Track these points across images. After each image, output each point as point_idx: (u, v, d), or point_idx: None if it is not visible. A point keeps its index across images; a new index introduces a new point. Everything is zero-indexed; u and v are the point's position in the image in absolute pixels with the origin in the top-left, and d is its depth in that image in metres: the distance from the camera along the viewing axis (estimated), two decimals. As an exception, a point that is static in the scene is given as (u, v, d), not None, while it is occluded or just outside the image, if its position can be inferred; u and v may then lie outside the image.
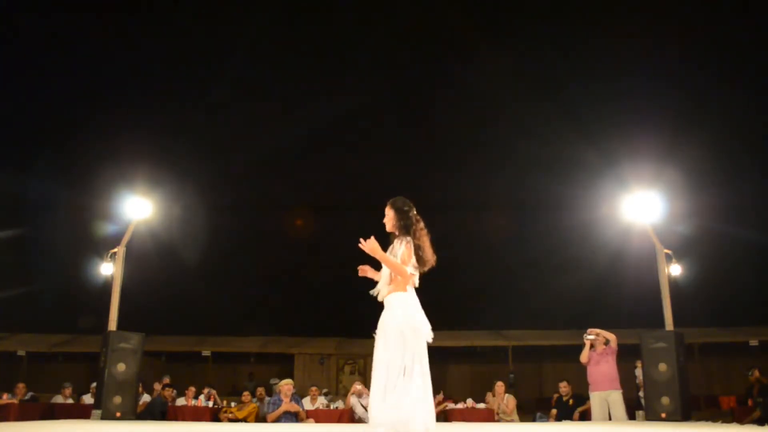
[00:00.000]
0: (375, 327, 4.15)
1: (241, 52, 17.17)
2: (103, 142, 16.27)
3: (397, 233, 4.25)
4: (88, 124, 17.47)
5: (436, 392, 11.49)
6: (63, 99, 17.64)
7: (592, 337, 8.89)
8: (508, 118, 18.06)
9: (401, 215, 4.23)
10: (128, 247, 9.86)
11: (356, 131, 19.39)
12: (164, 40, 17.26)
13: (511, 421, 10.25)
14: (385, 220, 4.31)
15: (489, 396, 11.07)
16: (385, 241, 4.26)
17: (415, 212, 4.28)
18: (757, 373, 10.24)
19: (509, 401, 10.44)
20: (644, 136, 14.67)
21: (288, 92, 18.29)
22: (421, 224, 4.27)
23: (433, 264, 4.26)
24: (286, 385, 9.52)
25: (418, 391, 3.87)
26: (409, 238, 4.16)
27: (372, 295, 4.24)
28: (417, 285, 4.24)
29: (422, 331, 4.05)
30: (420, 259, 4.17)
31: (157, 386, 11.19)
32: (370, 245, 4.04)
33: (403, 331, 3.98)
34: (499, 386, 10.68)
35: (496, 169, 18.41)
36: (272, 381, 15.19)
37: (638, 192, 9.68)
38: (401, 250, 4.13)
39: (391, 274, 4.15)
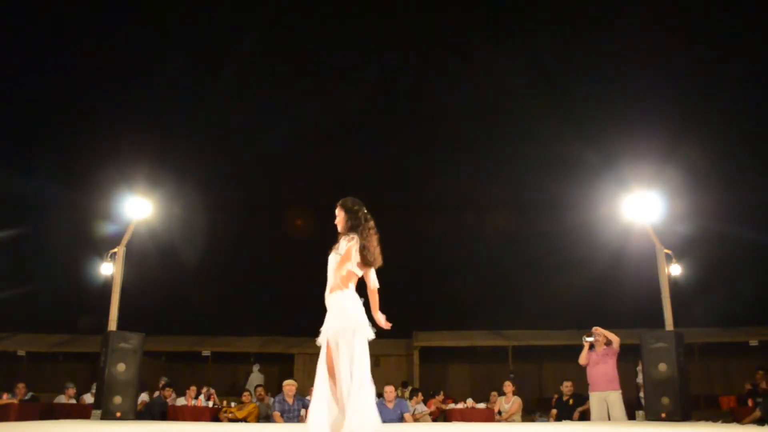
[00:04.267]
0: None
1: (240, 51, 17.17)
2: (103, 142, 16.29)
3: (345, 232, 4.23)
4: (88, 124, 17.48)
5: (436, 392, 11.54)
6: (63, 99, 17.65)
7: (590, 339, 8.90)
8: (509, 119, 18.07)
9: (350, 215, 4.24)
10: (128, 247, 9.87)
11: (356, 131, 19.40)
12: (164, 40, 17.28)
13: (513, 421, 10.25)
14: (336, 221, 4.31)
15: (494, 395, 11.06)
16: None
17: (365, 211, 4.27)
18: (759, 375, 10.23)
19: (515, 403, 10.43)
20: (644, 136, 14.68)
21: (288, 92, 18.31)
22: (371, 224, 4.24)
23: (380, 264, 4.21)
24: (287, 386, 9.53)
25: (367, 390, 3.87)
26: (354, 236, 4.14)
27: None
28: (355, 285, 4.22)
29: (361, 329, 4.02)
30: (365, 259, 4.13)
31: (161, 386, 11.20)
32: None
33: (344, 333, 3.97)
34: (507, 386, 10.66)
35: (496, 169, 18.42)
36: (255, 367, 15.29)
37: (638, 192, 9.68)
38: (345, 247, 4.13)
39: (335, 276, 4.13)
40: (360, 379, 3.87)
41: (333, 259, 4.18)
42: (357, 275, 4.16)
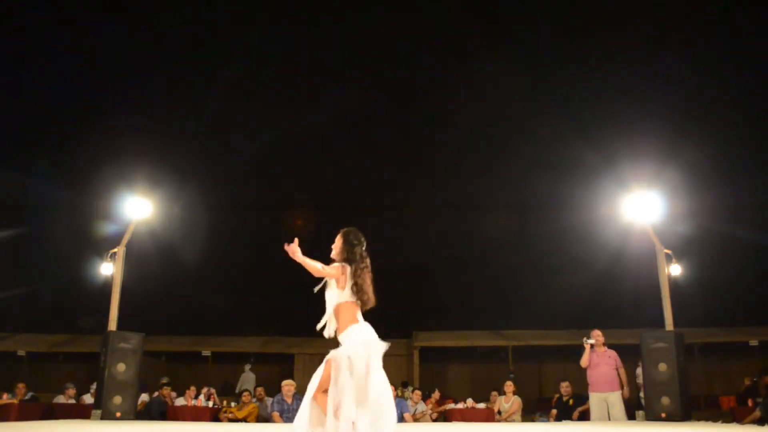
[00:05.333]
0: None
1: (241, 52, 17.18)
2: (103, 142, 16.28)
3: (338, 261, 4.15)
4: (88, 124, 17.48)
5: (432, 392, 11.55)
6: (63, 99, 17.65)
7: (591, 341, 8.90)
8: (508, 118, 18.07)
9: (348, 248, 4.13)
10: (128, 247, 9.87)
11: (356, 131, 19.40)
12: (164, 40, 17.29)
13: (513, 421, 10.25)
14: (333, 246, 4.23)
15: (494, 395, 11.05)
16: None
17: (363, 249, 4.17)
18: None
19: (514, 402, 10.43)
20: (644, 136, 14.68)
21: (288, 92, 18.31)
22: (366, 263, 4.13)
23: (373, 304, 4.10)
24: (286, 386, 9.54)
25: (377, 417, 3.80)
26: (348, 267, 4.06)
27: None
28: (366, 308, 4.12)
29: (376, 359, 3.93)
30: (359, 299, 4.04)
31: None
32: (291, 249, 3.95)
33: (354, 365, 3.86)
34: (508, 386, 10.65)
35: (496, 169, 18.42)
36: (247, 366, 15.08)
37: (638, 192, 9.68)
38: (338, 264, 4.07)
39: (336, 309, 4.04)
40: (381, 406, 3.83)
41: (330, 294, 4.10)
42: (358, 304, 4.05)
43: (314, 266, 3.98)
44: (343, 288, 4.03)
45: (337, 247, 4.21)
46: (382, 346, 3.98)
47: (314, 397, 3.93)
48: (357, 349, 3.89)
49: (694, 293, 12.41)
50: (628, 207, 9.84)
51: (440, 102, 19.21)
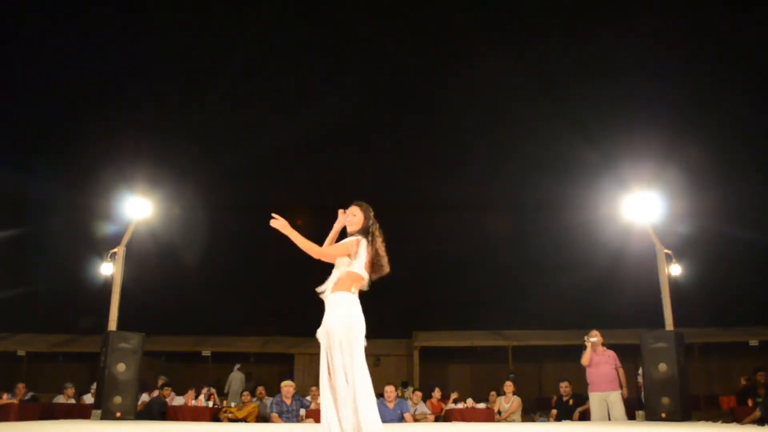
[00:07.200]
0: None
1: (241, 52, 17.18)
2: (103, 142, 16.29)
3: (355, 234, 4.23)
4: (88, 124, 17.48)
5: (432, 391, 11.52)
6: (63, 99, 17.65)
7: (594, 339, 8.89)
8: (509, 118, 18.07)
9: (366, 219, 4.27)
10: (128, 247, 9.86)
11: (356, 131, 19.39)
12: (164, 40, 17.28)
13: (512, 421, 10.24)
14: (351, 221, 4.29)
15: (493, 395, 11.04)
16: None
17: (374, 218, 4.32)
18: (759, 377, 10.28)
19: (514, 402, 10.43)
20: (644, 136, 14.67)
21: (288, 92, 18.31)
22: (380, 230, 4.29)
23: (387, 271, 4.23)
24: (285, 387, 9.54)
25: (364, 392, 3.84)
26: (361, 238, 4.16)
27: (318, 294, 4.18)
28: (365, 288, 4.21)
29: (361, 331, 4.00)
30: (376, 266, 4.16)
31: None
32: (280, 222, 4.13)
33: (346, 333, 3.94)
34: (508, 386, 10.65)
35: (496, 169, 18.42)
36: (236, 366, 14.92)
37: (638, 192, 9.68)
38: (349, 240, 4.17)
39: (340, 275, 4.11)
40: (357, 387, 3.85)
41: (340, 262, 4.17)
42: (363, 278, 4.13)
43: (305, 242, 4.10)
44: (355, 258, 4.12)
45: (358, 222, 4.27)
46: (362, 329, 4.02)
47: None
48: (340, 325, 3.95)
49: (694, 293, 12.41)
50: (628, 207, 9.84)
51: (440, 102, 19.23)
